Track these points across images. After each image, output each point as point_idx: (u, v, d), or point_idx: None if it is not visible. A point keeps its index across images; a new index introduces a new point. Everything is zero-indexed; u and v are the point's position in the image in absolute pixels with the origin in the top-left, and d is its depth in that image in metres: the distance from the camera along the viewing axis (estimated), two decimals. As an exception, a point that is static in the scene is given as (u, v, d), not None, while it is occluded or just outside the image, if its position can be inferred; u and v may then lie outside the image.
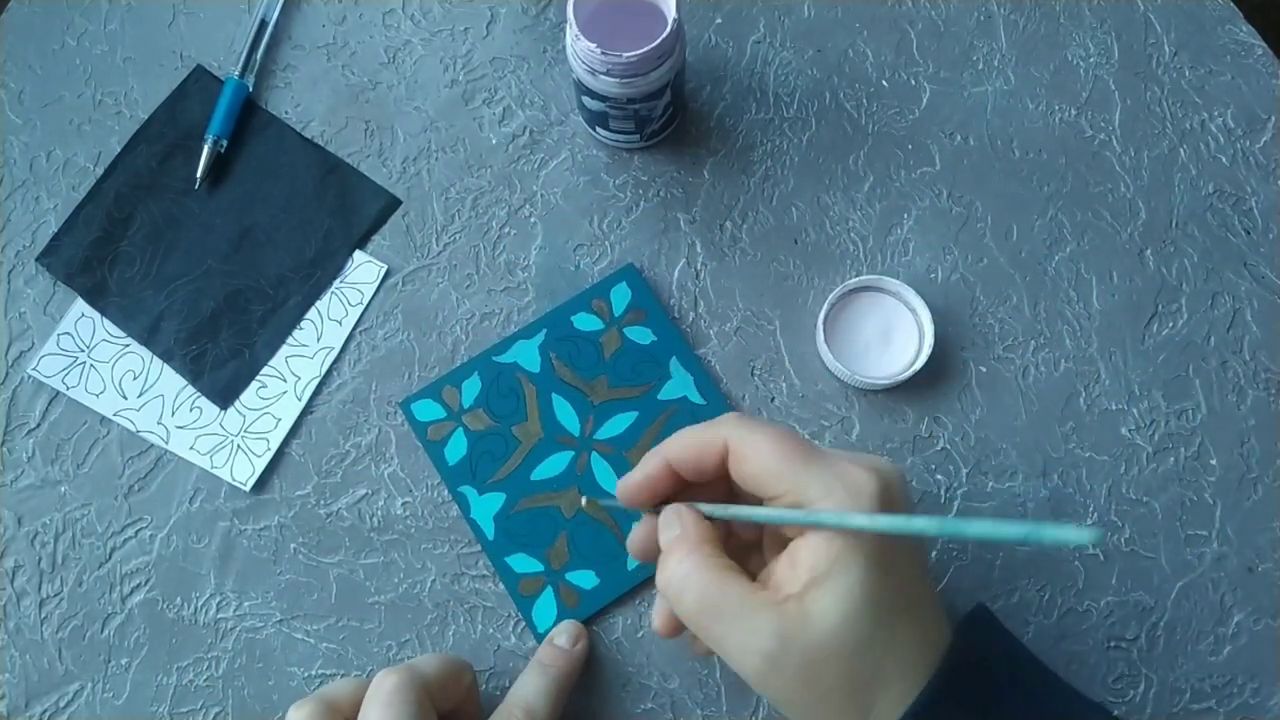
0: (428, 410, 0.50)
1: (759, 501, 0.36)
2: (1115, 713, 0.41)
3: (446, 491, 0.49)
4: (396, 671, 0.39)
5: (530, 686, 0.42)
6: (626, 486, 0.39)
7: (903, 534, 0.31)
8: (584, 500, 0.46)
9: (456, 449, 0.49)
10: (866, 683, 0.33)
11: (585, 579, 0.47)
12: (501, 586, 0.48)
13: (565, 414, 0.49)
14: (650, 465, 0.38)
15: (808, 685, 0.33)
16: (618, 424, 0.49)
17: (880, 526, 0.31)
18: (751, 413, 0.50)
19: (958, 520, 0.29)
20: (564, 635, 0.45)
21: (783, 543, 0.36)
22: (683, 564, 0.35)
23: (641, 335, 0.50)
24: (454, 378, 0.50)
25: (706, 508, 0.37)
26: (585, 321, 0.50)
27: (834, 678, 0.32)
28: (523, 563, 0.48)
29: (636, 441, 0.49)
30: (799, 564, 0.33)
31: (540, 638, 0.47)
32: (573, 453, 0.49)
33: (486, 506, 0.48)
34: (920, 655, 0.33)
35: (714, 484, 0.38)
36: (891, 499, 0.33)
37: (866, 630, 0.32)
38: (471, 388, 0.50)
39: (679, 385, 0.50)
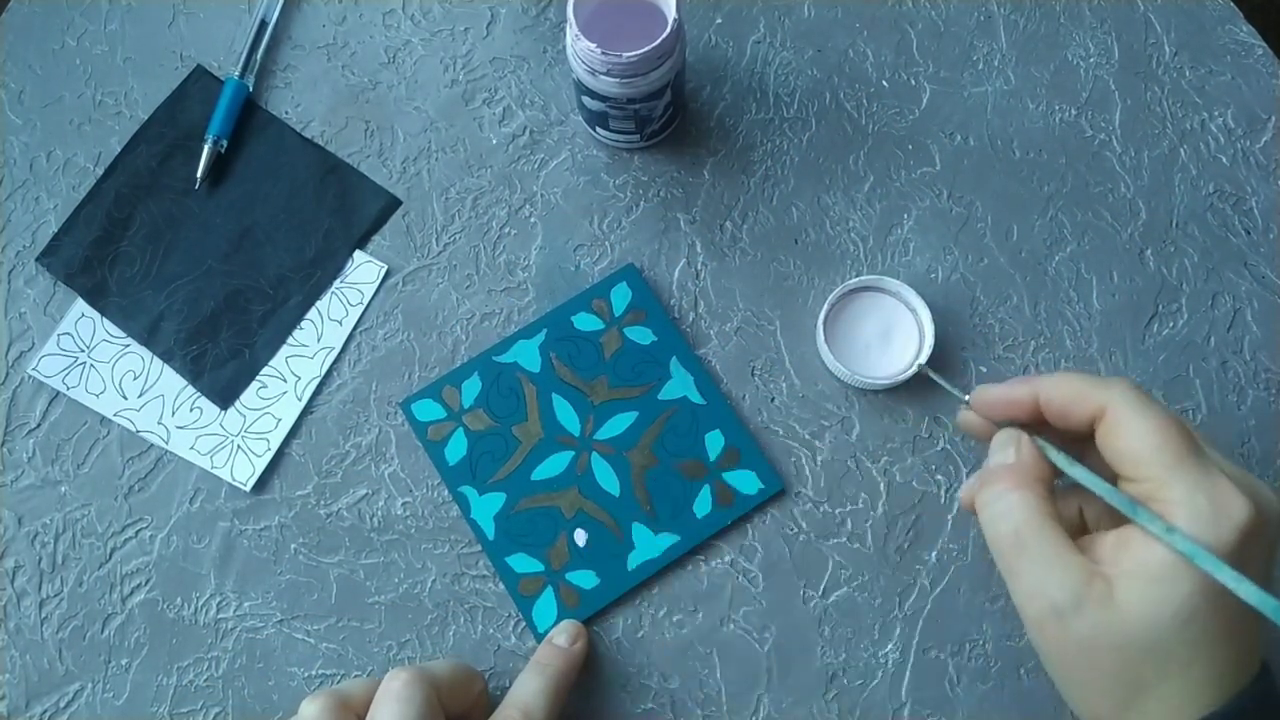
0: (428, 410, 0.50)
1: (1112, 474, 0.34)
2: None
3: (446, 491, 0.49)
4: (408, 670, 0.39)
5: (528, 687, 0.42)
6: (983, 396, 0.37)
7: (1228, 588, 0.29)
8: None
9: (457, 449, 0.49)
10: (1143, 685, 0.32)
11: (585, 579, 0.47)
12: (501, 586, 0.48)
13: (565, 414, 0.49)
14: (1018, 389, 0.36)
15: (1081, 656, 0.32)
16: (618, 424, 0.49)
17: (1216, 574, 0.29)
18: (752, 413, 0.50)
19: (1261, 593, 0.27)
20: (563, 635, 0.45)
21: (1117, 518, 0.34)
22: (1009, 494, 0.34)
23: (642, 335, 0.50)
24: (454, 378, 0.50)
25: (1053, 452, 0.35)
26: (585, 321, 0.50)
27: (1112, 665, 0.32)
28: (523, 563, 0.48)
29: (636, 442, 0.49)
30: (1129, 550, 0.32)
31: (540, 638, 0.47)
32: (573, 453, 0.49)
33: (487, 506, 0.48)
34: (1212, 685, 0.32)
35: (1064, 434, 0.36)
36: (1256, 537, 0.30)
37: (1168, 642, 0.31)
38: (471, 388, 0.50)
39: (679, 385, 0.50)
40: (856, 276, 0.51)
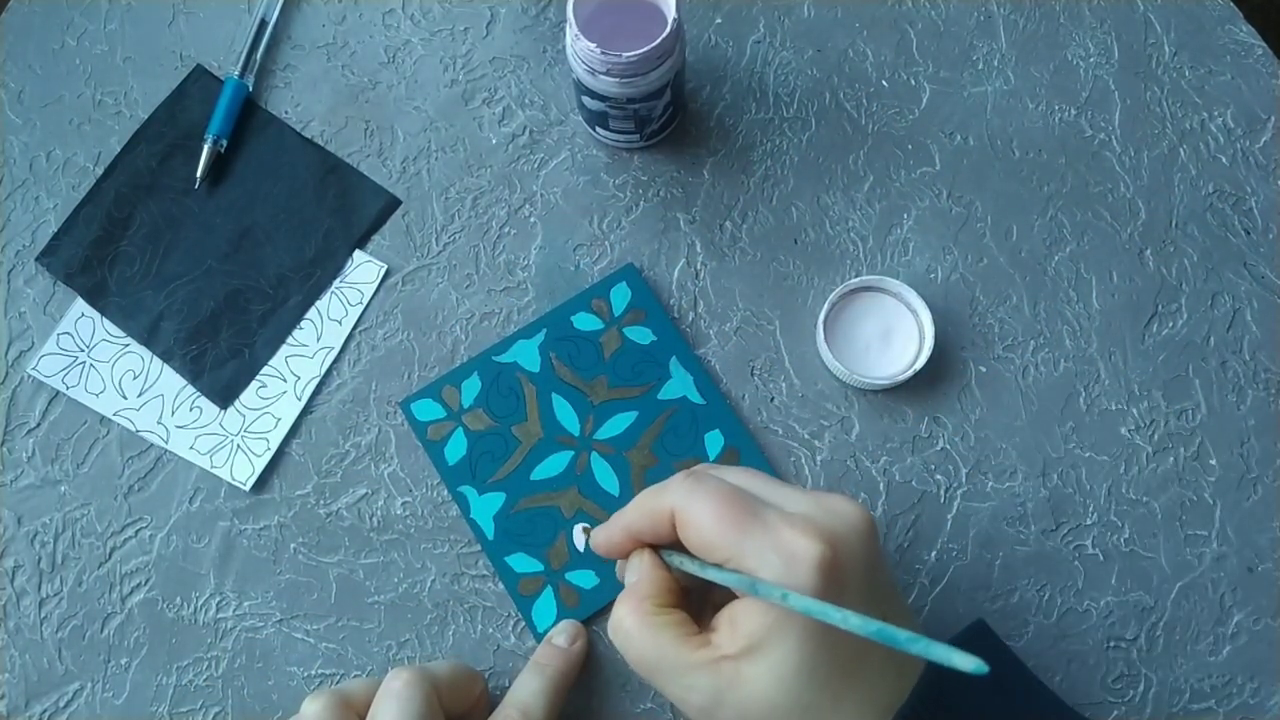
0: (427, 410, 0.50)
1: None
2: (1114, 714, 0.41)
3: (446, 491, 0.49)
4: (409, 670, 0.40)
5: (527, 687, 0.42)
6: (598, 548, 0.39)
7: (820, 618, 0.30)
8: (580, 530, 0.47)
9: (456, 449, 0.49)
10: None
11: (585, 579, 0.47)
12: (501, 586, 0.48)
13: (565, 414, 0.49)
14: (615, 533, 0.38)
15: None
16: (618, 424, 0.49)
17: (798, 608, 0.30)
18: (751, 412, 0.50)
19: (866, 621, 0.28)
20: (562, 635, 0.45)
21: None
22: (625, 620, 0.35)
23: (641, 335, 0.50)
24: (454, 377, 0.50)
25: (674, 557, 0.37)
26: (585, 321, 0.50)
27: None
28: (523, 562, 0.48)
29: (636, 441, 0.49)
30: (738, 627, 0.33)
31: (540, 637, 0.47)
32: (573, 453, 0.49)
33: (486, 506, 0.48)
34: (869, 711, 0.33)
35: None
36: (836, 567, 0.32)
37: (802, 697, 0.32)
38: (471, 387, 0.50)
39: (679, 385, 0.50)
40: (856, 276, 0.51)
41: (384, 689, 0.39)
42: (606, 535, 0.38)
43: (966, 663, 0.25)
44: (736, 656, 0.32)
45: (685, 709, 0.34)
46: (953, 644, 0.35)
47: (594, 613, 0.47)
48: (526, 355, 0.50)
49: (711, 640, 0.34)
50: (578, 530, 0.48)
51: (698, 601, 0.38)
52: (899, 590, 0.36)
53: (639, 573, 0.37)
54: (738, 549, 0.33)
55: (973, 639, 0.36)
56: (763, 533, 0.32)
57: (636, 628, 0.35)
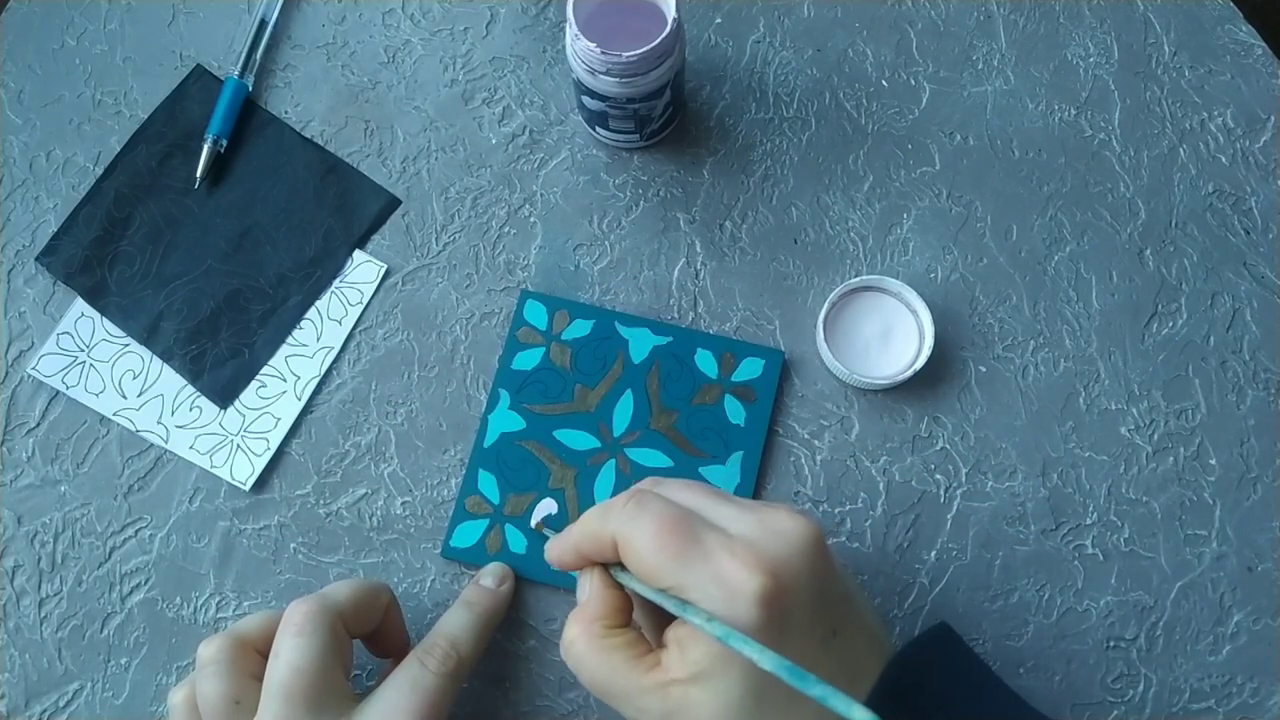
0: (536, 314, 0.50)
1: None
2: (1114, 714, 0.41)
3: (445, 491, 0.49)
4: (307, 601, 0.39)
5: (456, 621, 0.42)
6: (551, 561, 0.39)
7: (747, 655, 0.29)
8: (537, 516, 0.47)
9: (527, 360, 0.50)
10: None
11: (517, 541, 0.47)
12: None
13: (623, 412, 0.49)
14: (565, 551, 0.37)
15: None
16: (652, 457, 0.49)
17: (718, 635, 0.30)
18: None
19: (789, 667, 0.27)
20: (490, 577, 0.46)
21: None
22: (576, 643, 0.35)
23: (736, 411, 0.49)
24: (574, 309, 0.51)
25: (621, 574, 0.36)
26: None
27: None
28: (487, 485, 0.48)
29: (649, 412, 0.49)
30: (686, 652, 0.33)
31: (449, 550, 0.47)
32: (600, 445, 0.49)
33: (504, 420, 0.49)
34: None
35: None
36: (779, 596, 0.31)
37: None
38: (579, 329, 0.50)
39: (641, 342, 0.50)
40: (856, 276, 0.51)
41: (284, 624, 0.38)
42: (559, 552, 0.38)
43: (862, 715, 0.25)
44: (685, 681, 0.32)
45: None
46: (914, 643, 0.35)
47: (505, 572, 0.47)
48: (640, 343, 0.50)
49: (661, 661, 0.33)
50: (538, 511, 0.48)
51: (655, 613, 0.38)
52: (856, 591, 0.36)
53: (588, 592, 0.36)
54: (678, 579, 0.32)
55: (934, 640, 0.36)
56: (703, 563, 0.32)
57: (587, 651, 0.34)
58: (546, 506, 0.48)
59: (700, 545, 0.32)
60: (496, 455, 0.49)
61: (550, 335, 0.50)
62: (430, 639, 0.41)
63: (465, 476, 0.49)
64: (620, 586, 0.36)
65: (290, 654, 0.37)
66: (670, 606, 0.33)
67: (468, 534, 0.48)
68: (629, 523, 0.34)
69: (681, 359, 0.50)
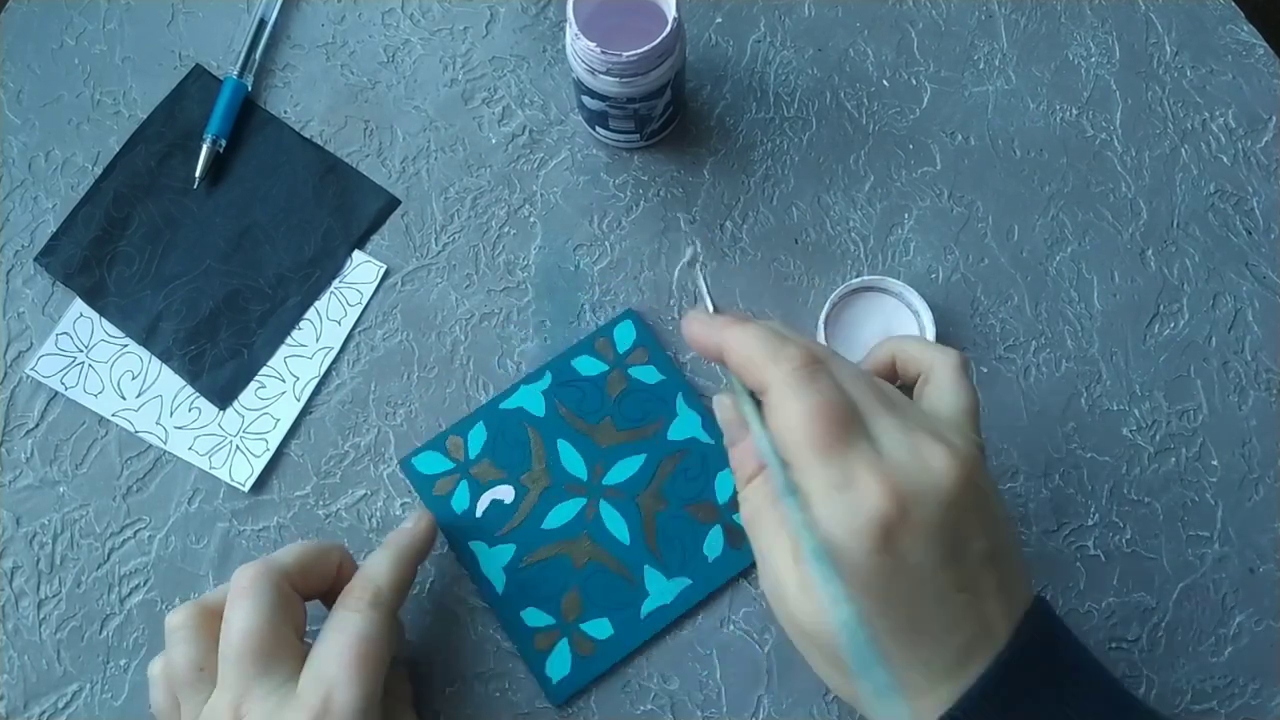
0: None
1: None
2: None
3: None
4: (252, 565, 0.40)
5: (370, 561, 0.42)
6: (692, 335, 0.36)
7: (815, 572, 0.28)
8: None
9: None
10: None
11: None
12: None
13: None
14: (712, 344, 0.35)
15: (799, 636, 0.33)
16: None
17: (814, 568, 0.29)
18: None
19: (855, 633, 0.27)
20: (409, 519, 0.45)
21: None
22: (744, 491, 0.34)
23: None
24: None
25: (749, 413, 0.34)
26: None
27: (817, 660, 0.33)
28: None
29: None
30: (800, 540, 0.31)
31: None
32: (583, 500, 0.48)
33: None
34: (934, 670, 0.31)
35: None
36: (897, 529, 0.29)
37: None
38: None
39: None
40: (857, 276, 0.51)
41: (232, 589, 0.39)
42: (706, 336, 0.35)
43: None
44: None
45: (762, 583, 0.33)
46: (1023, 642, 0.31)
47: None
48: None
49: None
50: (495, 492, 0.48)
51: None
52: (1004, 551, 0.32)
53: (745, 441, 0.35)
54: (810, 467, 0.31)
55: (1042, 637, 0.33)
56: (840, 464, 0.30)
57: (751, 494, 0.34)
58: (504, 492, 0.48)
59: (847, 448, 0.30)
60: (502, 420, 0.49)
61: (621, 362, 0.49)
62: (354, 581, 0.42)
63: (464, 418, 0.49)
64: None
65: (238, 618, 0.38)
66: (778, 483, 0.31)
67: (430, 463, 0.48)
68: (792, 389, 0.31)
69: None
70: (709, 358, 0.35)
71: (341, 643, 0.38)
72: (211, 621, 0.40)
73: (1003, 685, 0.31)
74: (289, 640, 0.39)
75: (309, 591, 0.42)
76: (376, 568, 0.42)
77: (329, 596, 0.43)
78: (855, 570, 0.30)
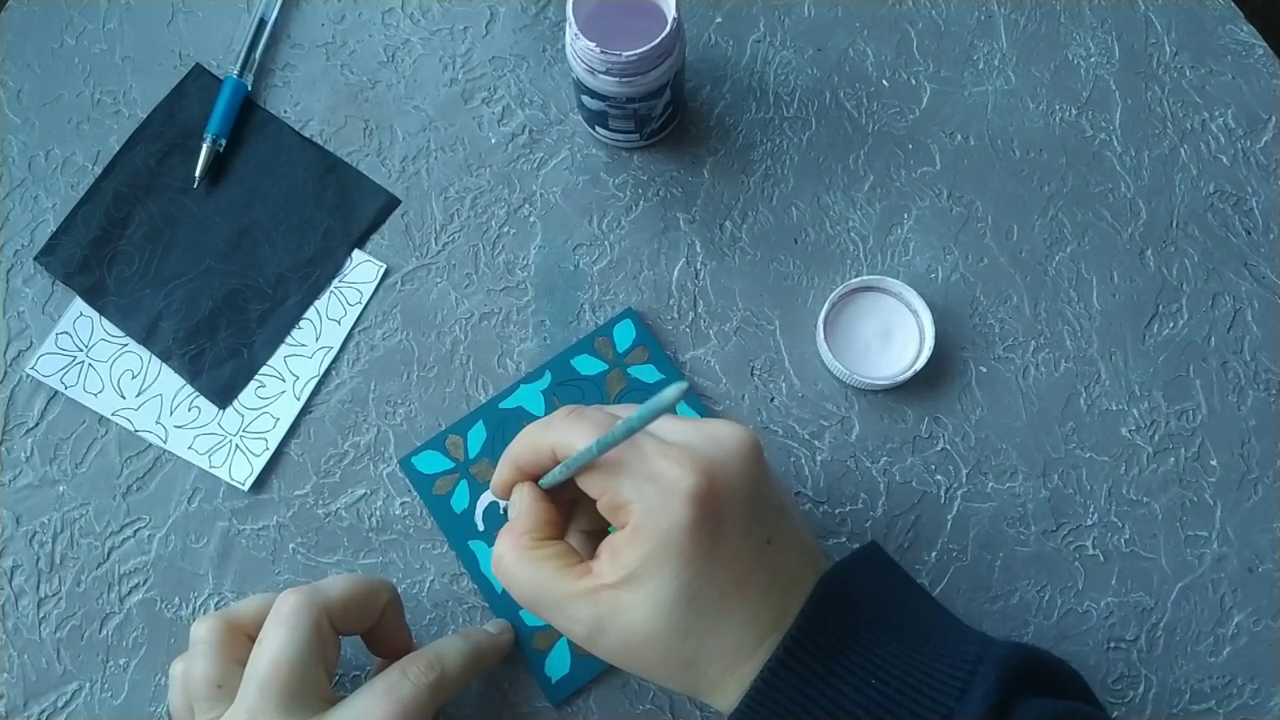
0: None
1: None
2: (1114, 715, 0.40)
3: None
4: (297, 592, 0.39)
5: (447, 642, 0.42)
6: (493, 490, 0.39)
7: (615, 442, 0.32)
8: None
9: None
10: (689, 660, 0.33)
11: (460, 500, 0.47)
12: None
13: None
14: (503, 470, 0.38)
15: (629, 660, 0.34)
16: None
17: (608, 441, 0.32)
18: (751, 412, 0.50)
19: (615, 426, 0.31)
20: (494, 625, 0.46)
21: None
22: (505, 556, 0.35)
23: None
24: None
25: (544, 480, 0.37)
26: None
27: (655, 655, 0.34)
28: (476, 436, 0.48)
29: None
30: (618, 556, 0.33)
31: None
32: None
33: (531, 397, 0.49)
34: (751, 631, 0.33)
35: None
36: (712, 496, 0.32)
37: (682, 622, 0.33)
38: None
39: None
40: (856, 276, 0.51)
41: (272, 614, 0.39)
42: (497, 475, 0.38)
43: (670, 392, 0.27)
44: (616, 585, 0.33)
45: (571, 639, 0.35)
46: (847, 559, 0.36)
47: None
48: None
49: (592, 569, 0.34)
50: (486, 497, 0.48)
51: (593, 541, 0.38)
52: (791, 504, 0.36)
53: (518, 507, 0.37)
54: (614, 480, 0.33)
55: (865, 556, 0.37)
56: (639, 462, 0.33)
57: (515, 562, 0.35)
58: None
59: (637, 448, 0.33)
60: (502, 420, 0.49)
61: (620, 361, 0.50)
62: (417, 652, 0.41)
63: (464, 417, 0.49)
64: (550, 499, 0.37)
65: (272, 646, 0.38)
66: (573, 465, 0.34)
67: (430, 463, 0.48)
68: (568, 431, 0.35)
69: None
70: (512, 485, 0.38)
71: (387, 708, 0.37)
72: (236, 637, 0.39)
73: (817, 621, 0.34)
74: (317, 679, 0.38)
75: (349, 629, 0.41)
76: (450, 652, 0.41)
77: (369, 635, 0.42)
78: (681, 550, 0.32)
